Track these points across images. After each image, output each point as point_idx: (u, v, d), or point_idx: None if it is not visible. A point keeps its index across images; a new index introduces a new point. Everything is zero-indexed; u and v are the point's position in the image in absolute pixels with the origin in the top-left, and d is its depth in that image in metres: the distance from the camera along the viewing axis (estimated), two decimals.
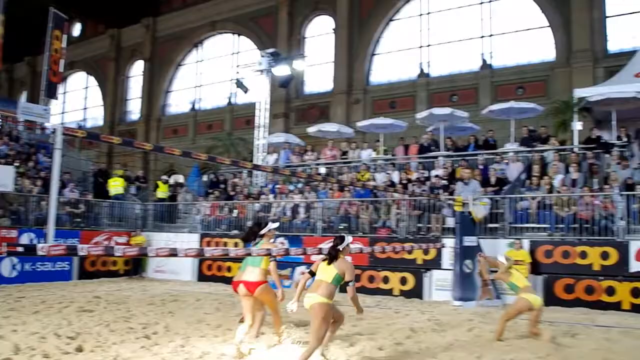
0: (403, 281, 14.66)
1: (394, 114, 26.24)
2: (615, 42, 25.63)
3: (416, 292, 14.45)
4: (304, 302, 6.65)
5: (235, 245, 17.29)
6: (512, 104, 19.50)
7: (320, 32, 34.81)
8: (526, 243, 13.52)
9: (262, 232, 8.19)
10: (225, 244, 17.70)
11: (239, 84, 23.74)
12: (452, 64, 29.97)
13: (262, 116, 23.25)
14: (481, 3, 29.35)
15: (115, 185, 21.16)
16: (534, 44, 27.73)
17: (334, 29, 33.61)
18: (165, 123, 41.45)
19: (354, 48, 32.64)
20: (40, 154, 22.15)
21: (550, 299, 12.68)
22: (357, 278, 15.31)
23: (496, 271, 9.31)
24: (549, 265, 13.20)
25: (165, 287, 16.57)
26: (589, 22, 25.79)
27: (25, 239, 16.76)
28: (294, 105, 34.61)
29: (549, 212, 14.12)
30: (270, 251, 7.59)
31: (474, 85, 28.79)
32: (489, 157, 17.72)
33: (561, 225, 13.80)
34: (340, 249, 6.88)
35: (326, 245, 8.83)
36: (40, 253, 5.05)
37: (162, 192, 22.10)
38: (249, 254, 7.72)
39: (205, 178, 24.31)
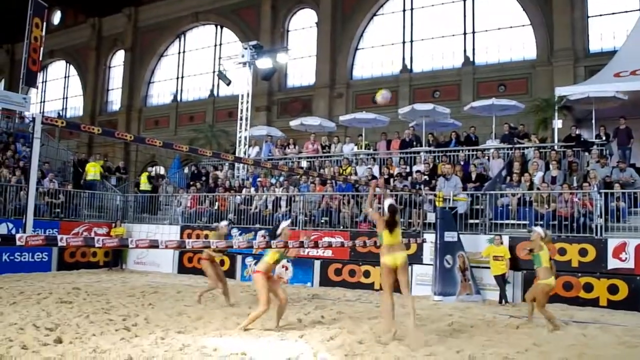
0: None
1: (377, 109, 26.24)
2: (596, 42, 25.89)
3: (396, 287, 14.45)
4: None
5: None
6: (493, 101, 19.63)
7: (304, 26, 34.73)
8: (506, 239, 13.60)
9: (278, 231, 8.95)
10: (206, 236, 17.66)
11: (222, 76, 23.64)
12: (434, 61, 30.08)
13: (244, 109, 23.15)
14: (464, 0, 29.46)
15: (93, 171, 21.00)
16: (516, 42, 27.92)
17: (317, 23, 33.53)
18: (146, 114, 41.07)
19: (337, 42, 32.60)
20: (19, 143, 21.90)
21: None
22: (339, 272, 15.39)
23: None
24: (528, 261, 13.27)
25: (145, 279, 16.51)
26: (570, 22, 26.02)
27: (3, 229, 16.62)
28: (276, 98, 34.51)
29: (528, 208, 14.25)
30: (254, 244, 7.60)
31: (456, 82, 28.91)
32: (471, 153, 17.85)
33: (541, 222, 13.87)
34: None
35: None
36: (18, 243, 5.00)
37: (144, 184, 21.92)
38: (231, 246, 7.73)
39: (186, 170, 24.17)
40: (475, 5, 29.20)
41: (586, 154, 16.28)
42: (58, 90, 47.78)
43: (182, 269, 18.34)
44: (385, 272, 8.22)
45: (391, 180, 16.84)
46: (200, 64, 38.65)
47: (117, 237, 17.16)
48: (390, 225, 8.15)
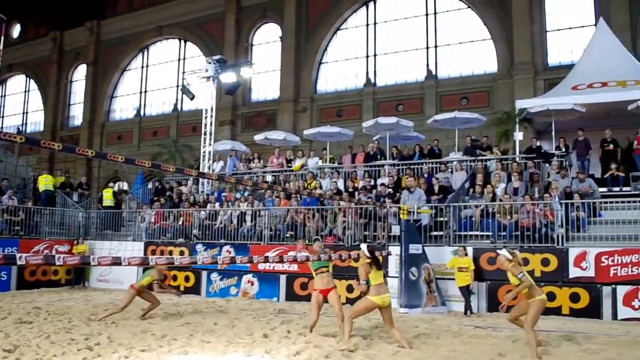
0: (349, 289, 14.67)
1: (341, 123, 26.44)
2: (555, 56, 26.51)
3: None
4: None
5: (181, 253, 17.14)
6: (456, 114, 19.90)
7: (268, 40, 34.78)
8: (470, 250, 13.74)
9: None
10: (170, 253, 17.47)
11: (185, 91, 23.50)
12: (398, 74, 30.39)
13: (208, 123, 23.02)
14: (426, 15, 29.86)
15: (44, 182, 20.72)
16: (478, 55, 28.41)
17: (281, 37, 33.61)
18: (109, 129, 40.55)
19: (301, 56, 32.72)
20: None
21: (494, 305, 12.99)
22: (305, 286, 15.32)
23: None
24: (492, 272, 13.46)
25: (108, 296, 16.21)
26: (529, 36, 26.59)
27: None
28: (240, 113, 34.42)
29: (491, 220, 14.44)
30: (218, 260, 7.53)
31: (419, 95, 29.23)
32: (434, 165, 18.03)
33: (503, 233, 14.12)
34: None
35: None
36: None
37: (109, 199, 21.60)
38: (195, 262, 7.66)
39: (150, 185, 23.90)
40: (438, 19, 29.63)
41: (547, 165, 16.61)
42: (17, 105, 46.86)
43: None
44: (369, 307, 8.66)
45: (356, 193, 16.89)
46: (164, 78, 38.40)
47: (79, 254, 16.86)
48: (376, 262, 8.74)
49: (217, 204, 19.08)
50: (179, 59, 38.21)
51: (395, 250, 13.95)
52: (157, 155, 30.04)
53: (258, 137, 23.64)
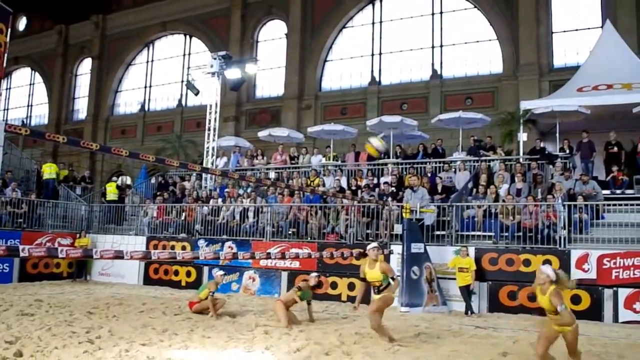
0: (351, 287, 14.71)
1: (345, 121, 26.43)
2: (560, 58, 26.42)
3: (364, 298, 14.50)
4: None
5: (183, 248, 17.18)
6: (460, 113, 19.84)
7: (273, 37, 34.71)
8: (472, 250, 13.73)
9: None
10: (172, 247, 17.50)
11: (190, 86, 23.51)
12: (402, 73, 30.31)
13: (212, 119, 23.04)
14: (432, 14, 29.79)
15: (48, 171, 20.84)
16: (483, 56, 28.33)
17: (286, 34, 33.58)
18: (113, 123, 40.56)
19: (306, 54, 32.68)
20: None
21: (495, 306, 13.01)
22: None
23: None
24: (493, 272, 13.47)
25: (110, 290, 16.24)
26: (535, 37, 26.50)
27: None
28: (244, 109, 34.40)
29: (494, 220, 14.43)
30: (220, 255, 7.54)
31: (424, 95, 29.17)
32: (437, 165, 18.02)
33: (506, 234, 14.11)
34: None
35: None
36: None
37: (112, 193, 21.65)
38: (197, 257, 7.66)
39: (153, 180, 23.93)
40: (444, 19, 29.54)
41: (550, 166, 16.58)
42: (22, 98, 46.86)
43: (147, 281, 18.10)
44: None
45: (359, 191, 16.90)
46: (169, 73, 38.34)
47: (81, 247, 16.89)
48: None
49: (219, 200, 19.09)
50: (184, 55, 38.15)
51: (397, 249, 13.97)
52: (161, 150, 30.00)
53: (262, 134, 23.63)
